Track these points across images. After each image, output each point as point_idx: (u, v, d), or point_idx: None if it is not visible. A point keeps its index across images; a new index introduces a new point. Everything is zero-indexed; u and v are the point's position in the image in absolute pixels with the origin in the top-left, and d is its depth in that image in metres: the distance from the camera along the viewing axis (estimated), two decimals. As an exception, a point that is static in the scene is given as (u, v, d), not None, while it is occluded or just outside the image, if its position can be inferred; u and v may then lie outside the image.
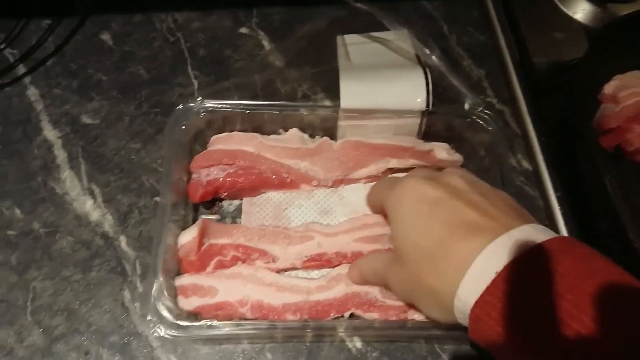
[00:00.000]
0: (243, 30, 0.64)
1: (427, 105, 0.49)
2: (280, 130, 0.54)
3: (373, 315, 0.45)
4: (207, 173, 0.50)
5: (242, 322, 0.43)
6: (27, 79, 0.60)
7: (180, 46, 0.62)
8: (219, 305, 0.45)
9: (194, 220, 0.51)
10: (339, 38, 0.58)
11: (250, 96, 0.59)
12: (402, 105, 0.49)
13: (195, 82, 0.60)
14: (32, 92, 0.59)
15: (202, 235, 0.47)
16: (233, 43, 0.63)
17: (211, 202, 0.52)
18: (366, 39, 0.57)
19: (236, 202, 0.53)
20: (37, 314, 0.48)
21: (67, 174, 0.54)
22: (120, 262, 0.50)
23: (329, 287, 0.46)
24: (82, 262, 0.50)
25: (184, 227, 0.48)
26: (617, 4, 0.66)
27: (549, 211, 0.54)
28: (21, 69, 0.60)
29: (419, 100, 0.49)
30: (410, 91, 0.49)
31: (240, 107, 0.51)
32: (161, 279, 0.43)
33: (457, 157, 0.53)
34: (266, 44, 0.63)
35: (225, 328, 0.42)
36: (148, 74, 0.60)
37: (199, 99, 0.51)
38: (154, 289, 0.42)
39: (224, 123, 0.53)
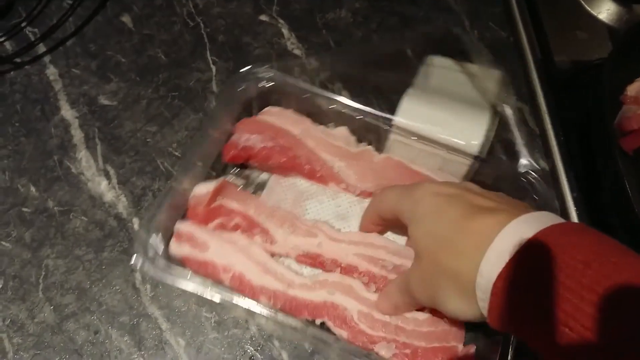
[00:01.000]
0: (263, 17, 0.64)
1: (481, 152, 0.47)
2: (331, 124, 0.53)
3: (342, 332, 0.43)
4: (247, 138, 0.50)
5: (219, 288, 0.43)
6: (46, 58, 0.60)
7: (200, 31, 0.62)
8: (203, 263, 0.45)
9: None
10: (429, 57, 0.56)
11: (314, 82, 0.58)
12: (455, 141, 0.47)
13: (214, 68, 0.60)
14: (51, 72, 0.59)
15: (217, 192, 0.47)
16: (253, 30, 0.63)
17: (242, 167, 0.53)
18: (455, 66, 0.55)
19: (265, 175, 0.53)
20: (48, 292, 0.48)
21: (83, 154, 0.54)
22: (132, 244, 0.50)
23: (311, 289, 0.45)
24: (94, 242, 0.50)
25: (206, 179, 0.49)
26: (643, 5, 0.65)
27: (565, 212, 0.53)
28: (41, 48, 0.60)
29: (473, 142, 0.47)
30: (469, 131, 0.47)
31: (302, 90, 0.51)
32: (163, 214, 0.44)
33: None
34: (286, 32, 0.63)
35: (201, 287, 0.42)
36: (167, 58, 0.60)
37: (266, 66, 0.51)
38: (152, 221, 0.43)
39: (281, 98, 0.53)
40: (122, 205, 0.52)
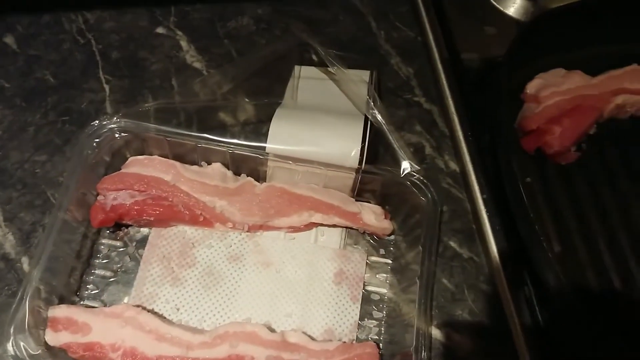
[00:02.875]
0: (160, 30, 0.60)
1: (360, 163, 0.46)
2: (203, 162, 0.50)
3: None
4: (115, 197, 0.47)
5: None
6: None
7: (92, 48, 0.59)
8: (88, 346, 0.41)
9: (93, 245, 0.48)
10: (296, 68, 0.54)
11: (183, 119, 0.54)
12: (333, 159, 0.46)
13: (107, 87, 0.57)
14: None
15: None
16: (149, 44, 0.60)
17: (117, 226, 0.49)
18: (323, 75, 0.54)
19: (145, 230, 0.50)
20: None
21: (-36, 192, 0.50)
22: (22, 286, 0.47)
23: (212, 345, 0.42)
24: (-21, 288, 0.47)
25: (78, 252, 0.46)
26: (547, -3, 0.65)
27: (476, 214, 0.52)
28: None
29: (351, 155, 0.46)
30: (344, 145, 0.46)
31: (162, 132, 0.48)
32: (27, 307, 0.40)
33: (386, 224, 0.50)
34: (185, 44, 0.60)
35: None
36: (56, 80, 0.57)
37: (115, 118, 0.47)
38: (16, 318, 0.40)
39: (143, 146, 0.49)
40: (10, 245, 0.48)
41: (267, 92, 0.55)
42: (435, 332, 0.46)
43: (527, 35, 0.54)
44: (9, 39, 0.58)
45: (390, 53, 0.62)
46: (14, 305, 0.40)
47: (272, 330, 0.44)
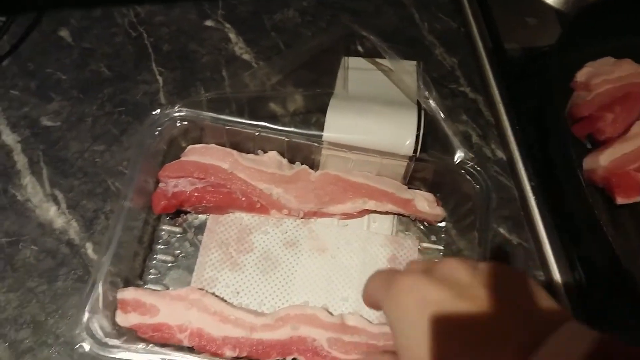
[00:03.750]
0: (208, 22, 0.62)
1: (415, 151, 0.47)
2: (259, 150, 0.51)
3: None
4: (175, 184, 0.48)
5: (174, 353, 0.41)
6: (-18, 81, 0.57)
7: (143, 41, 0.60)
8: (157, 327, 0.43)
9: (154, 231, 0.49)
10: (343, 59, 0.55)
11: (235, 109, 0.55)
12: (388, 147, 0.47)
13: (160, 79, 0.58)
14: (-12, 95, 0.56)
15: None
16: (199, 37, 0.61)
17: (176, 213, 0.50)
18: (370, 66, 0.55)
19: (203, 217, 0.51)
20: (2, 328, 0.46)
21: (28, 180, 0.52)
22: (87, 270, 0.48)
23: (274, 327, 0.43)
24: (47, 272, 0.48)
25: (140, 237, 0.47)
26: (589, -13, 0.65)
27: (524, 201, 0.53)
28: (-25, 70, 0.57)
29: (406, 144, 0.47)
30: (399, 133, 0.47)
31: (220, 121, 0.49)
32: (100, 290, 0.41)
33: (439, 211, 0.50)
34: (233, 37, 0.61)
35: (154, 357, 0.40)
36: (110, 72, 0.58)
37: (177, 107, 0.48)
38: (90, 299, 0.41)
39: (201, 134, 0.51)
40: (74, 231, 0.50)
41: (316, 83, 0.56)
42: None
43: (574, 25, 0.55)
44: (64, 33, 0.60)
45: (434, 44, 0.63)
46: (87, 288, 0.42)
47: (330, 314, 0.46)
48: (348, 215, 0.51)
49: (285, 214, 0.50)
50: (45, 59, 0.58)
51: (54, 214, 0.51)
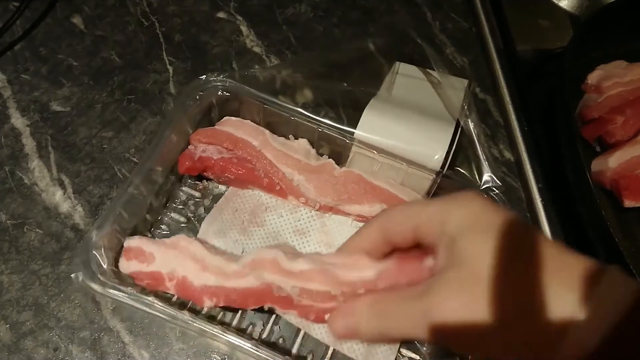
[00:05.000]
0: (221, 14, 0.62)
1: (442, 167, 0.46)
2: (291, 135, 0.52)
3: (291, 315, 0.41)
4: (204, 149, 0.49)
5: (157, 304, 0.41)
6: (-7, 64, 0.57)
7: (155, 31, 0.60)
8: (151, 275, 0.43)
9: (173, 190, 0.50)
10: (395, 64, 0.55)
11: (277, 88, 0.56)
12: (416, 157, 0.47)
13: (171, 69, 0.58)
14: (0, 78, 0.57)
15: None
16: (210, 28, 0.61)
17: (199, 178, 0.51)
18: (421, 74, 0.54)
19: (223, 187, 0.51)
20: (4, 310, 0.46)
21: (35, 164, 0.52)
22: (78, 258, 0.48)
23: (243, 275, 0.40)
24: (51, 256, 0.48)
25: (157, 192, 0.48)
26: (602, -9, 0.65)
27: (531, 203, 0.53)
28: (-13, 54, 0.58)
29: (435, 157, 0.46)
30: (430, 146, 0.47)
31: (260, 99, 0.49)
32: (107, 228, 0.42)
33: None
34: (245, 29, 0.61)
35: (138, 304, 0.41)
36: (121, 60, 0.58)
37: (222, 76, 0.49)
38: (94, 239, 0.42)
39: (239, 108, 0.51)
40: (79, 216, 0.50)
41: (360, 82, 0.55)
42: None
43: (586, 28, 0.55)
44: (77, 19, 0.60)
45: (445, 43, 0.63)
46: (96, 223, 0.43)
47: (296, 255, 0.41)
48: (364, 218, 0.50)
49: (302, 202, 0.50)
50: (57, 45, 0.59)
51: (59, 199, 0.51)
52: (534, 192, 0.53)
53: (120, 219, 0.44)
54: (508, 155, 0.56)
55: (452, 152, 0.47)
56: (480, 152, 0.49)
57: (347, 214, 0.50)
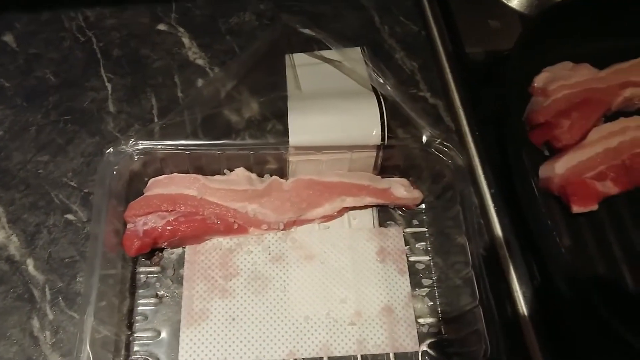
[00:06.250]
0: (161, 27, 0.60)
1: (383, 140, 0.46)
2: (225, 170, 0.49)
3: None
4: (144, 222, 0.46)
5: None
6: None
7: (92, 46, 0.58)
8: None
9: (133, 275, 0.47)
10: (287, 57, 0.54)
11: (190, 131, 0.52)
12: (357, 140, 0.46)
13: (109, 86, 0.56)
14: None
15: None
16: (151, 41, 0.59)
17: (150, 252, 0.48)
18: (316, 60, 0.53)
19: (179, 250, 0.49)
20: None
21: (-34, 193, 0.50)
22: (27, 288, 0.46)
23: None
24: (-15, 291, 0.46)
25: (122, 283, 0.44)
26: (551, -11, 0.64)
27: (483, 209, 0.52)
28: None
29: (373, 134, 0.46)
30: (364, 125, 0.46)
31: (180, 147, 0.46)
32: (88, 351, 0.39)
33: (417, 194, 0.50)
34: (187, 41, 0.59)
35: None
36: (56, 78, 0.56)
37: (131, 141, 0.46)
38: None
39: (161, 165, 0.48)
40: (14, 246, 0.48)
41: (271, 86, 0.54)
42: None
43: (534, 29, 0.54)
44: (8, 37, 0.58)
45: (394, 48, 0.61)
46: (74, 351, 0.39)
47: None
48: (328, 217, 0.50)
49: (265, 229, 0.48)
50: (-13, 65, 0.56)
51: (-7, 229, 0.48)
52: (486, 199, 0.52)
53: (95, 333, 0.40)
54: (460, 161, 0.55)
55: (385, 121, 0.46)
56: (408, 111, 0.49)
57: (311, 221, 0.50)
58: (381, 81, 0.50)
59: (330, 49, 0.55)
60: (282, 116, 0.55)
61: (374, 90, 0.49)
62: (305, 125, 0.47)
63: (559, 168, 0.47)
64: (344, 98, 0.49)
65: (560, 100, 0.49)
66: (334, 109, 0.47)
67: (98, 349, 0.40)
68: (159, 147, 0.46)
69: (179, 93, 0.56)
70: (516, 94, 0.52)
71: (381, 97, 0.48)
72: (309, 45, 0.57)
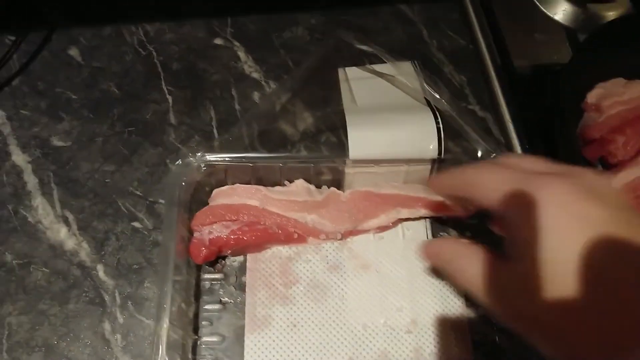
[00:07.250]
0: (218, 41, 0.62)
1: (440, 154, 0.47)
2: (285, 181, 0.51)
3: None
4: (210, 231, 0.47)
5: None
6: (-8, 100, 0.57)
7: (153, 60, 0.60)
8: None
9: (198, 282, 0.49)
10: (340, 71, 0.55)
11: (247, 144, 0.55)
12: (414, 154, 0.48)
13: (170, 98, 0.58)
14: (-2, 115, 0.56)
15: None
16: (208, 55, 0.61)
17: (214, 260, 0.50)
18: (369, 73, 0.55)
19: (240, 258, 0.50)
20: (13, 352, 0.46)
21: (39, 201, 0.52)
22: (98, 293, 0.49)
23: None
24: (58, 294, 0.48)
25: (186, 290, 0.46)
26: (597, 3, 0.65)
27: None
28: (-15, 90, 0.57)
29: (430, 147, 0.47)
30: (421, 139, 0.47)
31: (243, 159, 0.48)
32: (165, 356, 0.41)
33: (470, 206, 0.50)
34: (242, 55, 0.61)
35: None
36: (120, 91, 0.58)
37: (198, 153, 0.48)
38: None
39: (225, 176, 0.50)
40: (85, 253, 0.50)
41: (322, 99, 0.57)
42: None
43: (586, 45, 0.55)
44: (74, 52, 0.60)
45: (443, 61, 0.63)
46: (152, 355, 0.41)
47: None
48: (383, 228, 0.51)
49: (323, 239, 0.50)
50: (55, 78, 0.58)
51: (64, 236, 0.51)
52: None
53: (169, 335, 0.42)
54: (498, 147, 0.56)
55: (442, 134, 0.48)
56: (463, 125, 0.50)
57: (367, 231, 0.51)
58: (436, 95, 0.52)
59: (380, 62, 0.58)
60: (335, 129, 0.57)
61: (429, 104, 0.51)
62: (364, 140, 0.48)
63: (615, 184, 0.47)
64: (400, 112, 0.50)
65: (614, 117, 0.50)
66: (391, 123, 0.49)
67: (172, 352, 0.42)
68: (226, 159, 0.48)
69: (236, 106, 0.58)
70: (569, 110, 0.53)
71: (437, 111, 0.50)
72: (359, 59, 0.59)
